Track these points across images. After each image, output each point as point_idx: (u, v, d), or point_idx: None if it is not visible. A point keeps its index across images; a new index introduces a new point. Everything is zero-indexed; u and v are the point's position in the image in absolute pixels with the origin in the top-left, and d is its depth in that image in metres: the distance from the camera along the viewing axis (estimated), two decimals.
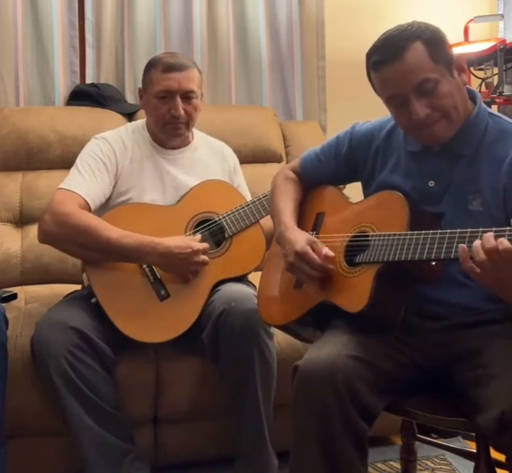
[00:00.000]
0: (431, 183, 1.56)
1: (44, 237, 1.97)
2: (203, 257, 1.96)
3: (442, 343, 1.52)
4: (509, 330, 1.48)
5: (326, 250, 1.56)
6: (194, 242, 1.96)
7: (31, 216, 2.53)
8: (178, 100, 2.06)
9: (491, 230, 1.28)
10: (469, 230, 1.32)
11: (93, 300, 1.93)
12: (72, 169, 2.06)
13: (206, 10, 3.04)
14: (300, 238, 1.60)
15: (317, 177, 1.79)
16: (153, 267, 1.98)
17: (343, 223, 1.63)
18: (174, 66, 2.07)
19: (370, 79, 1.55)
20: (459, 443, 2.17)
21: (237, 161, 2.33)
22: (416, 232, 1.42)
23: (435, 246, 1.37)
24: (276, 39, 3.15)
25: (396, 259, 1.44)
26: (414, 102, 1.46)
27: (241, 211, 2.08)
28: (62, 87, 2.90)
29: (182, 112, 2.07)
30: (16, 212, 2.54)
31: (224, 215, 2.07)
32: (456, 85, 1.49)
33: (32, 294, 2.28)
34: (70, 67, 2.92)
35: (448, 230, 1.36)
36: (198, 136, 2.27)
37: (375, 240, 1.51)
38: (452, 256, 1.34)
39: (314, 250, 1.56)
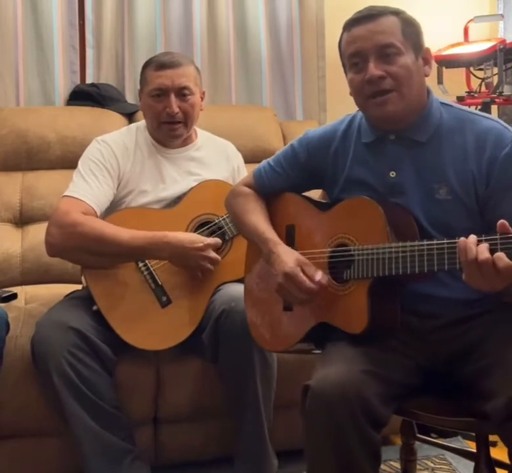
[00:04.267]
0: (392, 174, 1.56)
1: (53, 250, 1.95)
2: (214, 255, 1.96)
3: (442, 340, 1.52)
4: (507, 319, 1.48)
5: (319, 276, 1.50)
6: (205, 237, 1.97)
7: (31, 216, 2.53)
8: (173, 97, 2.04)
9: (482, 239, 1.28)
10: (457, 240, 1.31)
11: (94, 308, 1.92)
12: (75, 174, 2.04)
13: (206, 10, 3.04)
14: (290, 258, 1.55)
15: (273, 188, 1.74)
16: (154, 273, 1.97)
17: (318, 236, 1.58)
18: (167, 64, 2.06)
19: (340, 46, 1.59)
20: (459, 443, 2.17)
21: (241, 160, 2.30)
22: (401, 244, 1.41)
23: (425, 258, 1.37)
24: (276, 39, 3.15)
25: (386, 274, 1.43)
26: (371, 63, 1.50)
27: None
28: (62, 87, 2.90)
29: (176, 109, 2.04)
30: (16, 212, 2.54)
31: (224, 216, 2.05)
32: (417, 67, 1.53)
33: (32, 294, 2.28)
34: (70, 67, 2.92)
35: (435, 242, 1.36)
36: (202, 135, 2.25)
37: (358, 254, 1.48)
38: (446, 268, 1.34)
39: (304, 273, 1.51)
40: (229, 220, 2.05)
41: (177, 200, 2.09)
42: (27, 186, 2.56)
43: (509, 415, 1.30)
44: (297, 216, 1.69)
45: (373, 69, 1.49)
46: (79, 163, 2.07)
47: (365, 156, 1.61)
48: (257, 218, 1.71)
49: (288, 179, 1.73)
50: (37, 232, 2.43)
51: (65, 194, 1.99)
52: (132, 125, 2.23)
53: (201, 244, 1.94)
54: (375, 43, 1.50)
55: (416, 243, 1.40)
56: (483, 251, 1.26)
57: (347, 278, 1.51)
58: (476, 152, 1.50)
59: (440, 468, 2.11)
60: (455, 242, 1.32)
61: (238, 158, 2.29)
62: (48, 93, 2.88)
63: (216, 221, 2.06)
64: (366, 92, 1.52)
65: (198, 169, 2.16)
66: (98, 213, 1.99)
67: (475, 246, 1.28)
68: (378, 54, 1.50)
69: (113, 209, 2.06)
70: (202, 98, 2.16)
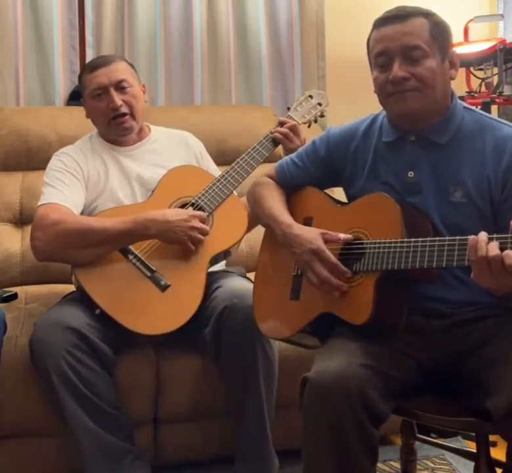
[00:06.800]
0: (411, 174, 1.58)
1: (41, 254, 1.96)
2: (202, 224, 1.98)
3: (448, 340, 1.52)
4: None
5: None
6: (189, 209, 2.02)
7: (31, 216, 2.48)
8: (113, 92, 2.10)
9: (494, 237, 1.29)
10: (468, 238, 1.32)
11: (97, 311, 1.91)
12: (43, 187, 2.07)
13: (206, 10, 3.04)
14: (312, 235, 1.57)
15: (295, 183, 1.77)
16: (146, 261, 1.97)
17: (333, 229, 1.58)
18: (99, 64, 2.14)
19: (368, 44, 1.60)
20: (459, 443, 2.17)
21: (203, 147, 2.34)
22: (413, 240, 1.42)
23: (435, 253, 1.38)
24: (276, 39, 3.14)
25: (395, 268, 1.44)
26: (396, 63, 1.51)
27: (213, 187, 2.10)
28: (62, 87, 2.90)
29: (119, 102, 2.09)
30: (16, 212, 2.54)
31: (199, 194, 2.09)
32: (442, 70, 1.54)
33: (32, 294, 2.28)
34: (70, 67, 2.92)
35: (447, 238, 1.38)
36: (157, 130, 2.30)
37: (370, 247, 1.50)
38: (455, 264, 1.35)
39: (326, 241, 1.54)
40: (204, 197, 2.08)
41: (149, 192, 2.12)
42: (27, 186, 2.56)
43: (508, 414, 1.30)
44: (315, 209, 1.72)
45: (398, 70, 1.50)
46: (44, 177, 2.11)
47: (385, 155, 1.62)
48: (274, 203, 1.73)
49: (308, 173, 1.76)
50: None
51: (39, 204, 2.02)
52: (85, 136, 2.26)
53: (185, 216, 1.96)
54: (401, 44, 1.51)
55: (428, 239, 1.41)
56: (493, 248, 1.27)
57: (356, 271, 1.52)
58: (494, 157, 1.51)
59: (440, 468, 2.11)
60: (466, 239, 1.32)
61: (199, 146, 2.33)
62: (48, 93, 2.88)
63: (193, 200, 2.08)
64: (389, 91, 1.53)
65: (160, 160, 2.19)
66: (76, 213, 2.02)
67: (486, 244, 1.28)
68: (404, 55, 1.51)
69: (87, 213, 2.09)
70: (144, 92, 2.21)
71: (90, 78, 2.13)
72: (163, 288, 1.97)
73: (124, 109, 2.11)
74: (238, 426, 1.95)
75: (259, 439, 1.93)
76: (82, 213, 2.08)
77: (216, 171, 2.30)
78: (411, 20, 1.52)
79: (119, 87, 2.11)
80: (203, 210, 2.06)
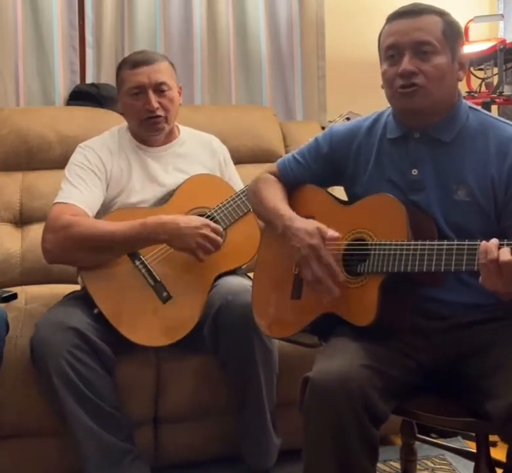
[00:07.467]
0: (414, 171, 1.58)
1: (51, 256, 1.96)
2: (214, 235, 1.95)
3: (448, 342, 1.52)
4: None
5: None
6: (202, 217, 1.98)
7: (31, 216, 2.53)
8: (151, 94, 2.06)
9: (504, 244, 1.29)
10: (478, 242, 1.32)
11: (95, 311, 1.91)
12: (63, 182, 2.05)
13: (206, 10, 3.04)
14: (311, 228, 1.54)
15: (296, 179, 1.77)
16: (152, 269, 1.97)
17: (337, 228, 1.57)
18: (141, 61, 2.08)
19: (379, 38, 1.60)
20: (459, 443, 2.18)
21: (227, 153, 2.32)
22: (420, 242, 1.42)
23: (443, 257, 1.37)
24: (276, 39, 3.15)
25: (402, 271, 1.43)
26: (406, 57, 1.52)
27: (231, 202, 2.08)
28: (62, 87, 2.90)
29: (156, 105, 2.06)
30: (16, 212, 2.54)
31: (216, 208, 2.07)
32: (451, 70, 1.54)
33: (32, 294, 2.28)
34: (70, 67, 2.92)
35: (456, 242, 1.37)
36: (185, 131, 2.27)
37: (375, 248, 1.49)
38: (464, 269, 1.35)
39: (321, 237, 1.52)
40: (221, 211, 2.06)
41: (167, 196, 2.10)
42: (27, 186, 2.56)
43: (509, 417, 1.30)
44: (317, 208, 1.70)
45: (407, 63, 1.51)
46: (66, 171, 2.08)
47: (389, 152, 1.62)
48: (274, 198, 1.72)
49: (310, 171, 1.75)
50: (37, 233, 2.40)
51: (55, 201, 2.00)
52: (114, 128, 2.23)
53: (198, 223, 1.94)
54: (412, 39, 1.51)
55: (436, 242, 1.40)
56: (505, 253, 1.28)
57: (361, 272, 1.51)
58: (497, 157, 1.51)
59: (440, 468, 2.11)
60: (475, 244, 1.32)
61: (223, 151, 2.30)
62: (48, 93, 2.88)
63: (208, 213, 2.06)
64: (397, 85, 1.53)
65: (184, 165, 2.17)
66: (90, 215, 2.00)
67: (496, 248, 1.29)
68: (414, 50, 1.52)
69: (106, 211, 2.07)
70: (179, 93, 2.17)
71: (130, 75, 2.07)
72: (164, 300, 1.96)
73: (159, 112, 2.07)
74: (238, 417, 1.97)
75: (259, 428, 1.96)
76: (101, 210, 2.06)
77: (237, 178, 2.28)
78: (425, 17, 1.53)
79: (158, 89, 2.06)
80: (218, 224, 2.03)
